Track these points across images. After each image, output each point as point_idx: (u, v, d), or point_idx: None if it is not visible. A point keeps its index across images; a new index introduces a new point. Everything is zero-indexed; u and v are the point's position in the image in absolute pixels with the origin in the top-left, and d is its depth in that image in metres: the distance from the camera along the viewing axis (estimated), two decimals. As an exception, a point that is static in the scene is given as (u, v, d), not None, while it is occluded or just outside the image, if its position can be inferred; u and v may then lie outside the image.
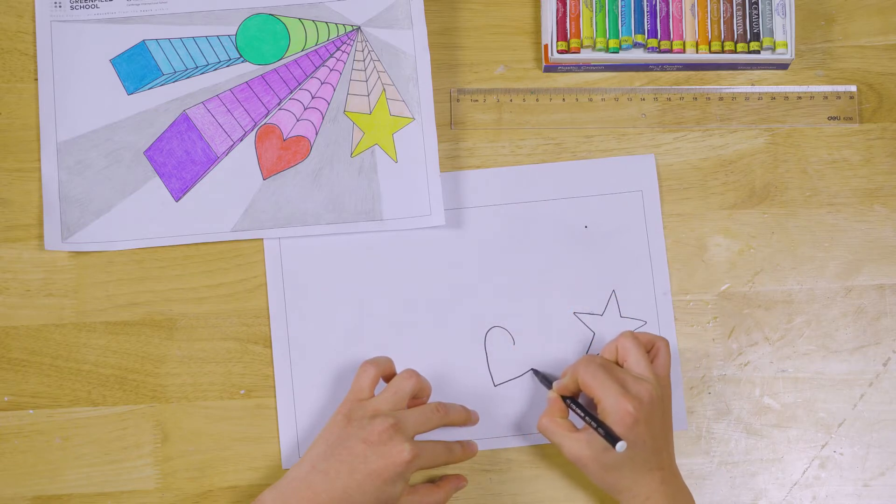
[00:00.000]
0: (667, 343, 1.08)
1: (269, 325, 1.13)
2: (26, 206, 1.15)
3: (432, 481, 1.11)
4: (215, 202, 1.14)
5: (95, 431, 1.12)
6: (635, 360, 1.06)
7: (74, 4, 1.16)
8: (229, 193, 1.14)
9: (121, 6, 1.16)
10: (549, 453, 1.12)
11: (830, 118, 1.16)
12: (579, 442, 1.04)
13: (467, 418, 1.10)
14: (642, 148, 1.16)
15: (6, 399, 1.13)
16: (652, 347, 1.08)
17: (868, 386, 1.13)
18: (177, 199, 1.14)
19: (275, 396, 1.12)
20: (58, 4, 1.16)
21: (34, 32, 1.16)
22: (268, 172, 1.15)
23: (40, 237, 1.14)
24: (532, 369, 1.12)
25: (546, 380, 1.10)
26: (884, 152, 1.16)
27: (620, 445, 1.00)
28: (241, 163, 1.15)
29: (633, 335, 1.07)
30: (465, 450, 1.09)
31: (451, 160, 1.16)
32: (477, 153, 1.16)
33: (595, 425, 1.02)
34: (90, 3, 1.16)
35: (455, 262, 1.14)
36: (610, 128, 1.16)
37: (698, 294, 1.14)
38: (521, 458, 1.12)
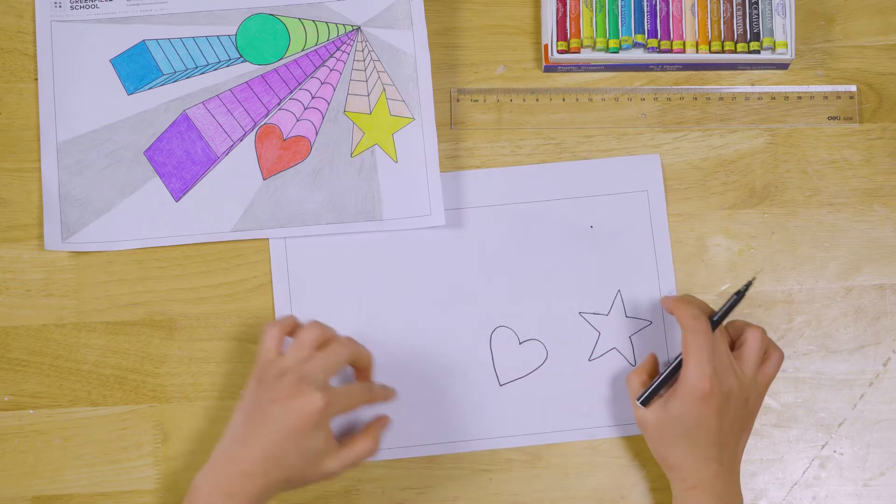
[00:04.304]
0: (781, 356, 1.07)
1: (269, 325, 1.13)
2: (26, 206, 1.15)
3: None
4: (215, 202, 1.14)
5: (95, 431, 1.12)
6: (749, 356, 1.05)
7: (74, 4, 1.16)
8: (229, 193, 1.14)
9: (121, 6, 1.16)
10: (549, 453, 1.12)
11: (830, 118, 1.16)
12: (643, 381, 1.07)
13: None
14: (643, 148, 1.16)
15: (6, 399, 1.13)
16: (766, 352, 1.07)
17: (868, 386, 1.13)
18: (177, 199, 1.14)
19: (275, 396, 1.13)
20: (58, 4, 1.16)
21: (34, 32, 1.16)
22: (268, 172, 1.15)
23: (40, 237, 1.14)
24: (748, 282, 1.08)
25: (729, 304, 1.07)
26: (884, 152, 1.16)
27: (638, 402, 1.04)
28: (241, 163, 1.15)
29: (764, 334, 1.06)
30: (385, 390, 1.10)
31: (451, 160, 1.16)
32: (477, 153, 1.16)
33: (658, 378, 1.05)
34: (90, 3, 1.16)
35: (457, 263, 1.14)
36: (610, 128, 1.16)
37: (698, 294, 1.14)
38: (521, 458, 1.12)
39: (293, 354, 1.04)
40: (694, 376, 1.02)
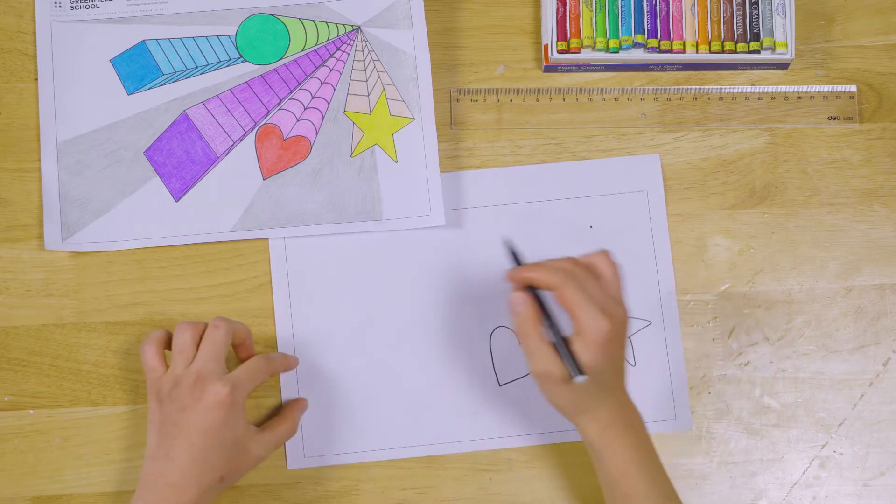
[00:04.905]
0: (619, 268, 1.03)
1: (270, 324, 1.13)
2: (26, 206, 1.15)
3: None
4: (215, 202, 1.14)
5: (95, 431, 1.12)
6: (610, 278, 1.01)
7: (74, 4, 1.16)
8: (229, 193, 1.14)
9: (121, 6, 1.16)
10: (549, 453, 1.12)
11: (830, 118, 1.16)
12: (551, 356, 0.99)
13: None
14: (643, 148, 1.16)
15: (6, 399, 1.13)
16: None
17: (868, 386, 1.13)
18: (177, 199, 1.14)
19: (277, 396, 1.12)
20: (58, 4, 1.16)
21: (34, 32, 1.16)
22: (268, 172, 1.15)
23: (40, 237, 1.14)
24: (505, 240, 1.06)
25: (516, 259, 1.04)
26: (884, 152, 1.16)
27: (580, 378, 0.97)
28: (241, 163, 1.15)
29: (608, 252, 1.02)
30: (286, 358, 1.10)
31: (451, 160, 1.16)
32: (477, 153, 1.16)
33: (564, 349, 0.98)
34: (90, 3, 1.16)
35: (457, 263, 1.14)
36: (610, 128, 1.16)
37: (698, 294, 1.14)
38: (521, 458, 1.12)
39: (178, 361, 1.05)
40: (591, 324, 0.97)
